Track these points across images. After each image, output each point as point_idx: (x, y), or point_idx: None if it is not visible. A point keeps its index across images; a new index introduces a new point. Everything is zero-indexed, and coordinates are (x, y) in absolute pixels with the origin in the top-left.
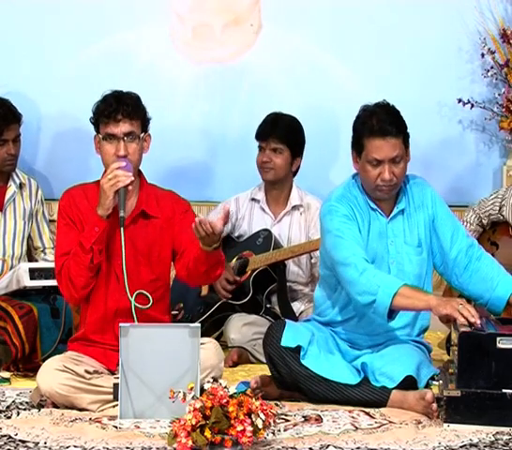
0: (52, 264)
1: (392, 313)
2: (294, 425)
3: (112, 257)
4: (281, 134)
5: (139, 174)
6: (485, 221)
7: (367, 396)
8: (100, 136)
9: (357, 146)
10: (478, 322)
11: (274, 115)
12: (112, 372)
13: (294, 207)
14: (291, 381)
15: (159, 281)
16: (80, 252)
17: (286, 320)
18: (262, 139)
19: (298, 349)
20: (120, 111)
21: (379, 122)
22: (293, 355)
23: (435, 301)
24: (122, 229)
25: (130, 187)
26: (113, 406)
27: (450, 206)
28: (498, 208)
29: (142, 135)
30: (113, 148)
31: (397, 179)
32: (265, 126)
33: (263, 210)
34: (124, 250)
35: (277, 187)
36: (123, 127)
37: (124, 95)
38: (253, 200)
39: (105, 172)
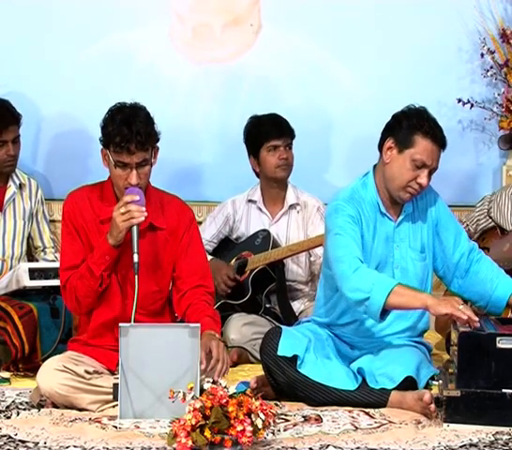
0: (51, 264)
1: (384, 313)
2: (294, 425)
3: (116, 267)
4: (289, 129)
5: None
6: (472, 230)
7: (366, 399)
8: (111, 160)
9: (403, 139)
10: (478, 325)
11: (268, 116)
12: (112, 372)
13: (291, 206)
14: (289, 389)
15: (161, 293)
16: (88, 276)
17: (282, 326)
18: (275, 137)
19: (295, 357)
20: (133, 142)
21: (435, 129)
22: (290, 364)
23: (432, 300)
24: (136, 277)
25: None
26: (113, 406)
27: (450, 206)
28: (486, 211)
29: (153, 157)
30: (125, 174)
31: (426, 188)
32: (272, 125)
33: (260, 210)
34: (136, 300)
35: (276, 186)
36: (136, 158)
37: (135, 118)
38: (250, 201)
39: (110, 177)
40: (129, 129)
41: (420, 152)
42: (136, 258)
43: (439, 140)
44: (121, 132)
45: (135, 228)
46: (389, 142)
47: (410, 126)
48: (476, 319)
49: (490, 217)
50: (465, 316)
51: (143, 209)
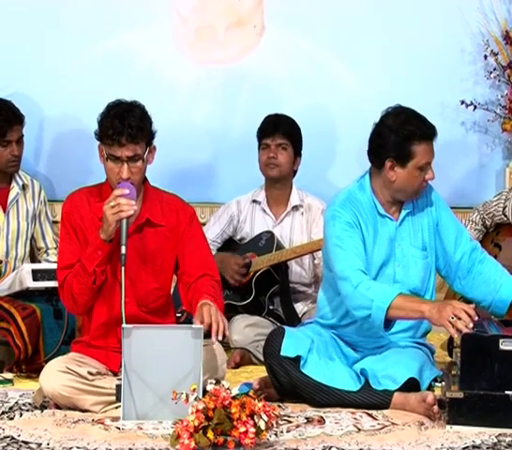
0: (55, 266)
1: (389, 323)
2: (297, 426)
3: (115, 265)
4: (285, 130)
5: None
6: (488, 223)
7: (369, 400)
8: (104, 153)
9: (401, 155)
10: (471, 325)
11: (274, 115)
12: (115, 373)
13: (295, 208)
14: (292, 390)
15: (162, 291)
16: (82, 273)
17: (285, 327)
18: (266, 136)
19: (298, 358)
20: (124, 134)
21: (422, 128)
22: (293, 364)
23: (428, 312)
24: (123, 268)
25: (133, 216)
26: (116, 407)
27: (453, 208)
28: (502, 209)
29: (146, 153)
30: (117, 168)
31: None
32: (269, 123)
33: (264, 211)
34: (123, 291)
35: (278, 187)
36: (126, 152)
37: (129, 113)
38: (254, 201)
39: (107, 179)
40: (122, 123)
41: (421, 157)
42: (123, 249)
43: (430, 136)
44: (113, 125)
45: (125, 221)
46: (389, 163)
47: (400, 139)
48: (466, 329)
49: (505, 216)
50: (453, 330)
51: (133, 203)
